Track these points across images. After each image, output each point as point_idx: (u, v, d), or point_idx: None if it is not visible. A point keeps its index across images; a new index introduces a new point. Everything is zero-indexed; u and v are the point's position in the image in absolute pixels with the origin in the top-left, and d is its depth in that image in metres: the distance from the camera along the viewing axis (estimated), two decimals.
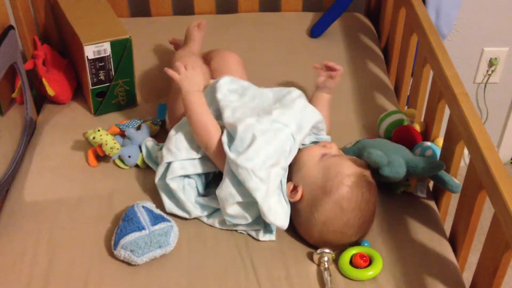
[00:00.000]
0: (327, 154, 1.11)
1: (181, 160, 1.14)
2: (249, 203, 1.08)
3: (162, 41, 1.62)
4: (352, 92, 1.47)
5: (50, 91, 1.35)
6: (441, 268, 1.06)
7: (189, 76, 1.17)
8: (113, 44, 1.29)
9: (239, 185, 1.07)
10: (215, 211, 1.14)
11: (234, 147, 1.08)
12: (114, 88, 1.35)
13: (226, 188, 1.07)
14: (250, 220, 1.10)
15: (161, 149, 1.20)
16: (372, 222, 1.10)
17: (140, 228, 1.07)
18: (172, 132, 1.18)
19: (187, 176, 1.15)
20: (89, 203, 1.18)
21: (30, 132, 1.31)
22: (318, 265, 1.06)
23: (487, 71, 1.95)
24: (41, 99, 1.44)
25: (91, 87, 1.33)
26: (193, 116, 1.14)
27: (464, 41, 1.89)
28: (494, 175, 0.92)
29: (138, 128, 1.30)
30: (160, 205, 1.16)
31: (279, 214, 1.07)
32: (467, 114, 1.03)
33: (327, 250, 1.05)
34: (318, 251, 1.06)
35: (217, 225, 1.14)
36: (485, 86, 1.99)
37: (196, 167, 1.15)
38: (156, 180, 1.16)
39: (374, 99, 1.45)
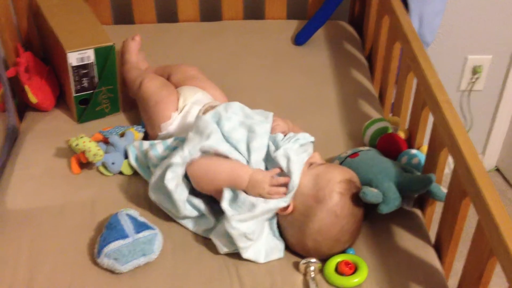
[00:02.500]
0: (313, 163, 1.11)
1: (176, 165, 1.11)
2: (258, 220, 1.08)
3: (145, 49, 1.61)
4: (337, 100, 1.48)
5: (33, 99, 1.33)
6: (426, 275, 1.06)
7: (267, 190, 1.07)
8: (97, 51, 1.28)
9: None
10: (201, 218, 1.14)
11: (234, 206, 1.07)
12: (98, 95, 1.34)
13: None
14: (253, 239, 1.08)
15: (151, 144, 1.21)
16: (361, 228, 1.11)
17: (124, 236, 1.06)
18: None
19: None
20: (72, 211, 1.17)
21: (12, 140, 1.30)
22: (304, 275, 1.06)
23: (471, 78, 1.97)
24: (23, 107, 1.42)
25: (74, 95, 1.32)
26: (224, 177, 1.09)
27: (448, 49, 1.91)
28: (477, 182, 0.92)
29: (122, 135, 1.29)
30: (143, 212, 1.15)
31: (273, 253, 1.08)
32: (450, 121, 1.04)
33: (313, 260, 1.05)
34: (304, 260, 1.05)
35: (201, 233, 1.13)
36: (469, 94, 2.01)
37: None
38: (153, 180, 1.13)
39: (358, 107, 1.46)
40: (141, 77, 1.35)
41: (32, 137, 1.34)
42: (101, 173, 1.24)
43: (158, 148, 1.19)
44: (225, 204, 1.06)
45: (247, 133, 1.13)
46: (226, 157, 1.11)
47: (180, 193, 1.11)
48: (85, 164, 1.25)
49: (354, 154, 1.19)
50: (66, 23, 1.33)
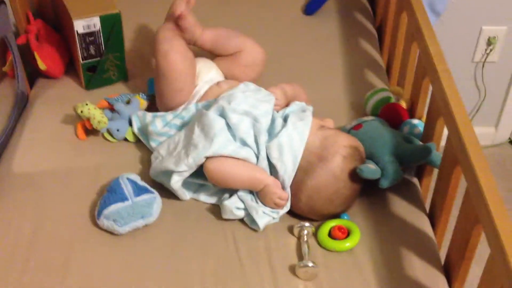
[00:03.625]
0: (324, 126, 1.14)
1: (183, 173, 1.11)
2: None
3: (153, 16, 1.62)
4: (343, 70, 1.48)
5: (42, 65, 1.37)
6: (418, 242, 1.08)
7: (274, 200, 1.10)
8: (103, 19, 1.31)
9: None
10: (200, 186, 1.16)
11: None
12: (105, 63, 1.37)
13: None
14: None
15: (153, 117, 1.23)
16: (357, 196, 1.12)
17: (123, 198, 1.10)
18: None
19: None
20: (76, 175, 1.20)
21: (21, 105, 1.34)
22: (298, 238, 1.08)
23: (486, 50, 1.94)
24: (34, 74, 1.46)
25: (81, 62, 1.35)
26: (245, 177, 1.11)
27: (462, 20, 1.88)
28: (467, 149, 0.93)
29: (128, 102, 1.32)
30: (146, 177, 1.18)
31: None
32: (446, 90, 1.04)
33: (307, 224, 1.07)
34: (299, 224, 1.08)
35: (201, 198, 1.16)
36: (483, 65, 1.98)
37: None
38: (155, 175, 1.16)
39: (364, 77, 1.45)
40: (169, 45, 1.24)
41: (41, 103, 1.38)
42: (106, 140, 1.28)
43: (158, 123, 1.22)
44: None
45: (253, 123, 1.13)
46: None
47: (184, 191, 1.14)
48: (91, 131, 1.28)
49: (358, 126, 1.20)
50: None
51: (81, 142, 1.28)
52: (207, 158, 1.09)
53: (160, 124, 1.22)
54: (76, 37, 1.30)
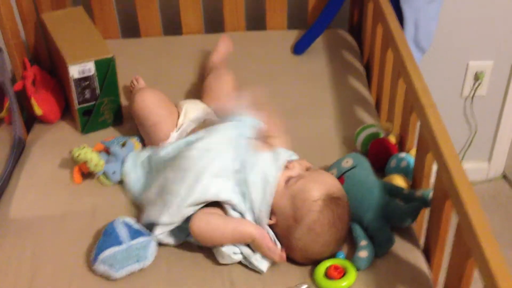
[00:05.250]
0: (291, 177, 1.12)
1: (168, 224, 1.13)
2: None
3: (149, 61, 1.67)
4: (333, 107, 1.51)
5: (38, 111, 1.39)
6: (414, 279, 1.08)
7: (266, 252, 1.10)
8: (97, 64, 1.34)
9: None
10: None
11: None
12: (100, 107, 1.40)
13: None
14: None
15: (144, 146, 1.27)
16: (348, 231, 1.12)
17: (119, 242, 1.10)
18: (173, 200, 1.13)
19: None
20: (72, 220, 1.22)
21: (18, 151, 1.35)
22: None
23: (474, 84, 1.98)
24: (31, 119, 1.48)
25: (77, 106, 1.38)
26: (230, 235, 1.09)
27: (449, 56, 1.92)
28: (456, 184, 0.94)
29: (123, 145, 1.34)
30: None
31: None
32: (433, 125, 1.06)
33: (304, 286, 1.06)
34: (295, 286, 1.07)
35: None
36: (472, 100, 2.01)
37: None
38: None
39: (354, 113, 1.48)
40: (138, 91, 1.36)
41: (38, 148, 1.40)
42: (102, 183, 1.29)
43: (131, 160, 1.27)
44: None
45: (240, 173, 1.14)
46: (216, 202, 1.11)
47: (172, 239, 1.15)
48: (87, 174, 1.30)
49: (340, 179, 1.18)
50: (68, 37, 1.39)
51: (77, 186, 1.29)
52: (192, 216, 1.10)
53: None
54: (71, 82, 1.33)
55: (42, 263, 1.12)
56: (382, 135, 1.33)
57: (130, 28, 1.81)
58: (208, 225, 1.09)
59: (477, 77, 1.96)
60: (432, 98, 1.13)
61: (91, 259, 1.11)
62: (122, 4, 1.79)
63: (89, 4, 1.71)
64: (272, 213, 1.10)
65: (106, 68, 1.36)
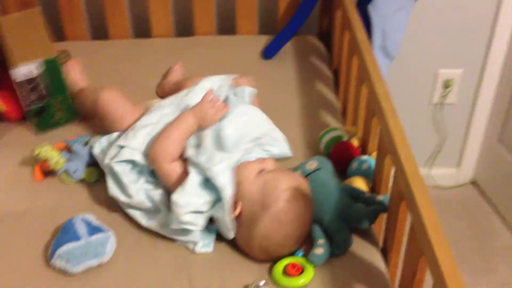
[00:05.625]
0: (264, 169, 1.15)
1: (132, 149, 1.19)
2: (202, 213, 1.11)
3: (119, 63, 1.67)
4: (299, 111, 1.52)
5: (1, 107, 1.38)
6: (370, 278, 1.09)
7: (210, 112, 1.20)
8: (41, 65, 1.34)
9: (202, 196, 1.11)
10: (156, 213, 1.17)
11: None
12: (50, 107, 1.40)
13: (189, 196, 1.10)
14: (199, 228, 1.12)
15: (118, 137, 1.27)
16: (309, 232, 1.13)
17: (76, 238, 1.10)
18: (137, 124, 1.24)
19: (134, 165, 1.19)
20: (32, 217, 1.20)
21: None
22: None
23: (443, 92, 2.01)
24: None
25: (25, 109, 1.38)
26: (176, 131, 1.18)
27: (418, 64, 1.96)
28: (411, 185, 0.96)
29: (86, 143, 1.33)
30: (102, 216, 1.19)
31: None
32: (391, 128, 1.08)
33: (261, 283, 1.07)
34: (253, 284, 1.07)
35: (155, 227, 1.16)
36: (442, 107, 2.04)
37: (145, 160, 1.19)
38: (105, 161, 1.19)
39: (320, 117, 1.50)
40: (95, 92, 1.37)
41: (0, 146, 1.39)
42: (63, 182, 1.28)
43: (104, 141, 1.27)
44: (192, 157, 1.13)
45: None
46: None
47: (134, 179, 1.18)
48: (48, 172, 1.29)
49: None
50: (18, 37, 1.36)
51: (38, 184, 1.28)
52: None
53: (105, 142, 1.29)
54: (15, 85, 1.33)
55: (5, 261, 1.11)
56: (345, 138, 1.34)
57: (99, 30, 1.81)
58: (159, 141, 1.17)
59: (446, 85, 1.99)
60: (392, 103, 1.15)
61: (48, 254, 1.10)
62: (91, 7, 1.79)
63: (57, 6, 1.70)
64: (238, 201, 1.11)
65: (51, 69, 1.35)
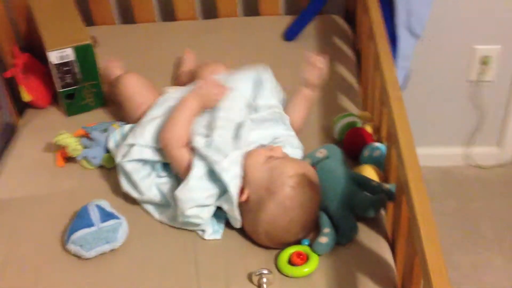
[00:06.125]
0: (272, 156, 1.16)
1: (142, 146, 1.22)
2: (206, 206, 1.14)
3: (145, 47, 1.70)
4: (317, 94, 1.50)
5: (26, 97, 1.45)
6: (376, 269, 1.09)
7: (212, 92, 1.23)
8: (75, 50, 1.39)
9: (205, 190, 1.13)
10: (167, 207, 1.21)
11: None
12: (82, 90, 1.46)
13: (190, 192, 1.13)
14: (204, 221, 1.15)
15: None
16: (315, 220, 1.14)
17: (90, 224, 1.15)
18: (143, 119, 1.27)
19: (145, 162, 1.22)
20: (52, 202, 1.27)
21: (9, 135, 1.41)
22: (258, 286, 1.08)
23: (480, 69, 1.94)
24: (23, 104, 1.54)
25: (59, 90, 1.44)
26: (181, 116, 1.20)
27: (454, 40, 1.88)
28: (407, 175, 0.95)
29: (105, 131, 1.38)
30: (119, 202, 1.23)
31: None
32: (395, 116, 1.06)
33: (265, 271, 1.08)
34: (257, 272, 1.08)
35: (167, 221, 1.20)
36: (479, 84, 1.97)
37: (155, 155, 1.22)
38: (117, 160, 1.23)
39: (338, 101, 1.48)
40: (117, 78, 1.42)
41: (27, 132, 1.46)
42: (83, 167, 1.34)
43: (117, 134, 1.30)
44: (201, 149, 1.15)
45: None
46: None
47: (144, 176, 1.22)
48: (70, 158, 1.35)
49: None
50: (51, 23, 1.44)
51: (60, 169, 1.34)
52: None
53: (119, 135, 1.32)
54: (51, 67, 1.39)
55: (17, 242, 1.18)
56: (359, 124, 1.33)
57: (126, 15, 1.84)
58: (166, 127, 1.20)
59: (483, 62, 1.92)
60: (399, 90, 1.12)
61: (64, 239, 1.15)
62: None
63: None
64: (245, 187, 1.13)
65: (84, 54, 1.41)
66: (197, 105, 1.22)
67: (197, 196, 1.13)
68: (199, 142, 1.17)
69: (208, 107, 1.24)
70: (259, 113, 1.26)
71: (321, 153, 1.24)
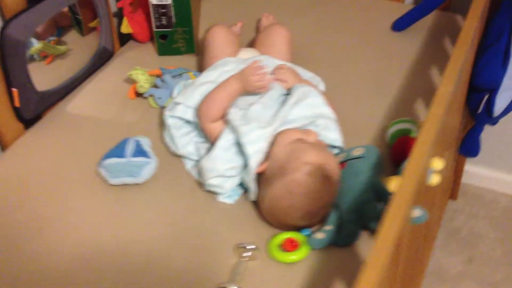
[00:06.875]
0: (302, 139, 1.14)
1: (186, 106, 1.28)
2: (229, 177, 1.18)
3: (249, 7, 1.75)
4: (397, 92, 1.43)
5: (125, 29, 1.58)
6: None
7: (253, 78, 1.22)
8: None
9: (228, 161, 1.16)
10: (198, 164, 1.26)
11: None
12: (174, 34, 1.55)
13: (214, 162, 1.17)
14: (225, 191, 1.19)
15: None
16: (322, 213, 1.11)
17: (122, 155, 1.24)
18: (196, 80, 1.33)
19: (188, 121, 1.28)
20: (109, 127, 1.38)
21: (101, 59, 1.55)
22: (239, 259, 1.08)
23: None
24: (129, 36, 1.66)
25: (154, 29, 1.54)
26: (220, 93, 1.24)
27: None
28: None
29: (181, 75, 1.45)
30: (162, 146, 1.31)
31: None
32: (422, 131, 0.97)
33: (250, 246, 1.08)
34: (241, 244, 1.09)
35: (195, 175, 1.25)
36: None
37: (196, 118, 1.26)
38: (164, 113, 1.30)
39: (411, 104, 1.38)
40: (214, 25, 1.47)
41: (120, 60, 1.59)
42: (150, 104, 1.43)
43: (182, 85, 1.37)
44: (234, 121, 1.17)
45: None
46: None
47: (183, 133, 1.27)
48: (141, 94, 1.45)
49: (342, 164, 1.17)
50: None
51: (130, 101, 1.45)
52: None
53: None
54: (150, 6, 1.50)
55: (66, 155, 1.32)
56: (414, 133, 1.23)
57: None
58: (204, 101, 1.24)
59: None
60: (442, 108, 1.02)
61: (99, 161, 1.27)
62: None
63: None
64: (266, 160, 1.14)
65: (181, 1, 1.48)
66: (237, 87, 1.23)
67: (219, 167, 1.16)
68: (235, 113, 1.20)
69: (250, 90, 1.24)
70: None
71: (357, 151, 1.18)
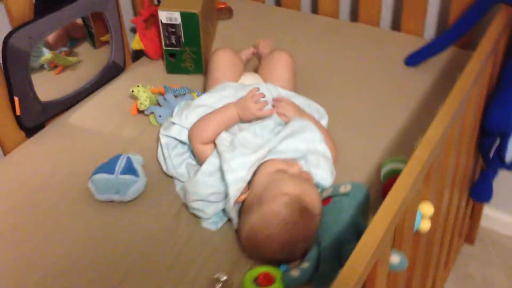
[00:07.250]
0: (284, 170, 1.12)
1: (182, 127, 1.27)
2: (212, 202, 1.16)
3: (261, 26, 1.74)
4: (402, 127, 1.39)
5: (135, 45, 1.60)
6: None
7: (252, 106, 1.21)
8: (182, 15, 1.49)
9: (211, 186, 1.15)
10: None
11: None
12: (183, 53, 1.56)
13: (196, 186, 1.15)
14: (207, 216, 1.18)
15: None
16: (301, 247, 1.08)
17: (111, 171, 1.25)
18: (193, 102, 1.32)
19: (182, 142, 1.28)
20: (107, 140, 1.39)
21: (110, 74, 1.57)
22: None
23: None
24: (142, 53, 1.68)
25: (164, 47, 1.56)
26: (216, 118, 1.23)
27: None
28: None
29: (184, 95, 1.45)
30: (157, 165, 1.30)
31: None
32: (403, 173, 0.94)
33: (224, 277, 1.07)
34: (215, 275, 1.07)
35: (182, 198, 1.23)
36: None
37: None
38: (160, 131, 1.30)
39: (414, 142, 1.33)
40: (219, 48, 1.47)
41: (129, 75, 1.61)
42: (150, 122, 1.44)
43: (182, 104, 1.36)
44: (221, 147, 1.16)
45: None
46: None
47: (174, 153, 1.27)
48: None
49: (327, 200, 1.13)
50: None
51: (132, 116, 1.46)
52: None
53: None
54: (160, 25, 1.51)
55: (62, 165, 1.34)
56: None
57: None
58: (197, 123, 1.23)
59: None
60: (427, 153, 0.98)
61: (90, 175, 1.27)
62: None
63: None
64: (248, 189, 1.13)
65: (190, 21, 1.49)
66: (235, 113, 1.22)
67: (201, 191, 1.14)
68: (223, 138, 1.18)
69: (248, 118, 1.22)
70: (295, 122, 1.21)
71: (345, 188, 1.14)
